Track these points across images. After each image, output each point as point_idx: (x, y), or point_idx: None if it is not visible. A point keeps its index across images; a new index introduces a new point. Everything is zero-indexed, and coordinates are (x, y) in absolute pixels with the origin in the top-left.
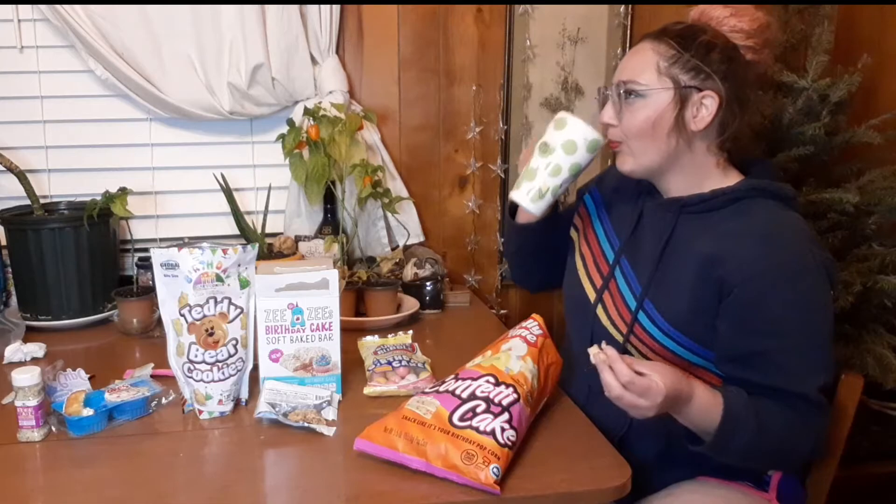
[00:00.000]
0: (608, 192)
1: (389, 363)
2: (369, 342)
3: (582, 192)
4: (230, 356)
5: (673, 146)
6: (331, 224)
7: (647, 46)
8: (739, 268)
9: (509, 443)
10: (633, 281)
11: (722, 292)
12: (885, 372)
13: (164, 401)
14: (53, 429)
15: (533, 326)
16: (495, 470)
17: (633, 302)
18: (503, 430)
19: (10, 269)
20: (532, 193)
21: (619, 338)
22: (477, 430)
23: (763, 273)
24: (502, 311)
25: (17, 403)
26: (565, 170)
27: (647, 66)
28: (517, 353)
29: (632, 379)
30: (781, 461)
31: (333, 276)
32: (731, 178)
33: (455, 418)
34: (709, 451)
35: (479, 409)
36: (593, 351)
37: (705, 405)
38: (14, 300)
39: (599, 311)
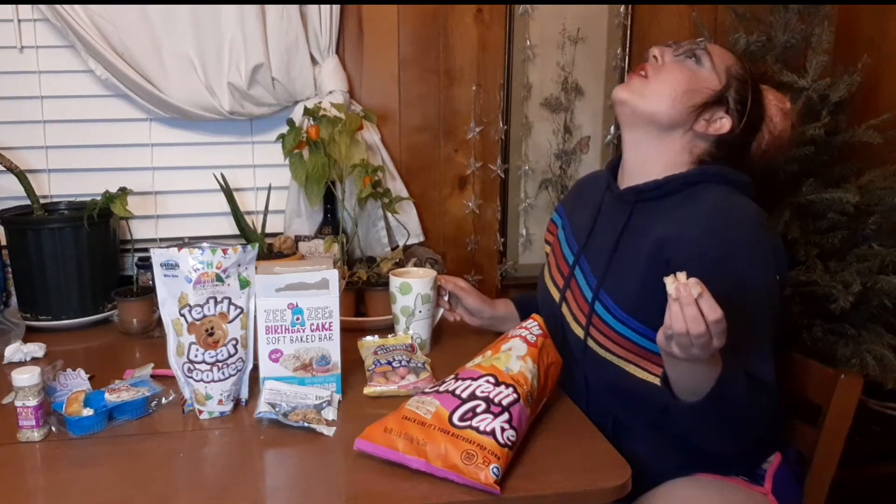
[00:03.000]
0: (569, 205)
1: (389, 363)
2: (369, 342)
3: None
4: (230, 356)
5: (675, 119)
6: (331, 224)
7: (733, 55)
8: (684, 248)
9: (509, 443)
10: (590, 275)
11: (667, 274)
12: (885, 372)
13: (164, 401)
14: (53, 429)
15: (533, 326)
16: (495, 470)
17: (590, 294)
18: (503, 430)
19: (10, 269)
20: (421, 344)
21: (581, 332)
22: (477, 430)
23: (706, 252)
24: None
25: (17, 403)
26: (420, 310)
27: (726, 56)
28: (517, 353)
29: (722, 317)
30: (731, 435)
31: (333, 276)
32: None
33: (455, 418)
34: (689, 410)
35: (479, 409)
36: (671, 280)
37: (717, 358)
38: (14, 300)
39: (564, 309)
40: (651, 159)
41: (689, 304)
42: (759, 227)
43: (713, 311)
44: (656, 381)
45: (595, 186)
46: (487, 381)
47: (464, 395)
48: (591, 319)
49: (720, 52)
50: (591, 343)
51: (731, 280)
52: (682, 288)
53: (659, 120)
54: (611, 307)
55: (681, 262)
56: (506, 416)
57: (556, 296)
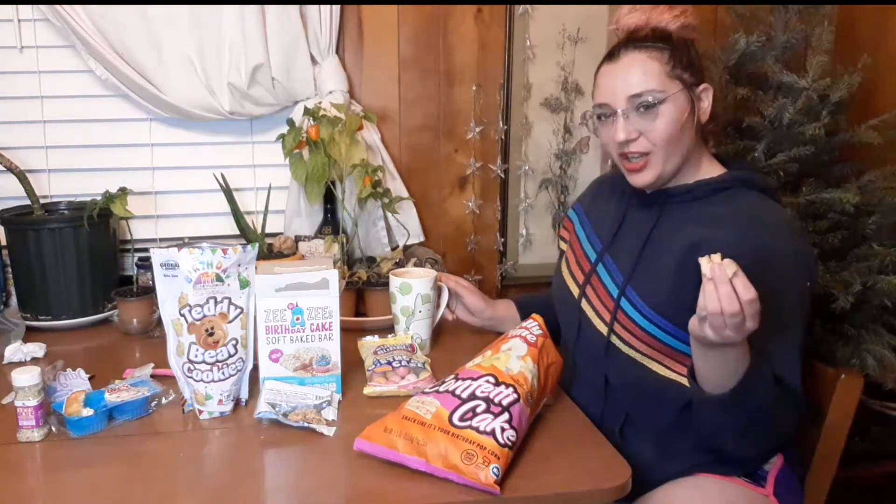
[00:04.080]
0: (587, 203)
1: (389, 363)
2: (369, 342)
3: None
4: (230, 356)
5: (690, 143)
6: (331, 224)
7: (639, 56)
8: (718, 249)
9: (509, 443)
10: (616, 272)
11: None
12: (885, 372)
13: (164, 401)
14: (53, 429)
15: (533, 326)
16: (495, 470)
17: (615, 290)
18: (503, 430)
19: (10, 269)
20: (421, 344)
21: (604, 328)
22: (477, 430)
23: (740, 255)
24: None
25: (17, 403)
26: (420, 311)
27: (653, 73)
28: (517, 353)
29: (755, 297)
30: (754, 435)
31: (333, 276)
32: (716, 170)
33: (455, 418)
34: (714, 402)
35: (479, 409)
36: (705, 260)
37: (746, 351)
38: (14, 300)
39: (584, 304)
40: (681, 171)
41: (723, 283)
42: (791, 234)
43: (747, 291)
44: (678, 378)
45: (615, 186)
46: (487, 381)
47: (464, 395)
48: (615, 315)
49: (642, 71)
50: (614, 339)
51: (764, 285)
52: (716, 268)
53: (683, 161)
54: (638, 304)
55: None
56: (506, 416)
57: (576, 291)
